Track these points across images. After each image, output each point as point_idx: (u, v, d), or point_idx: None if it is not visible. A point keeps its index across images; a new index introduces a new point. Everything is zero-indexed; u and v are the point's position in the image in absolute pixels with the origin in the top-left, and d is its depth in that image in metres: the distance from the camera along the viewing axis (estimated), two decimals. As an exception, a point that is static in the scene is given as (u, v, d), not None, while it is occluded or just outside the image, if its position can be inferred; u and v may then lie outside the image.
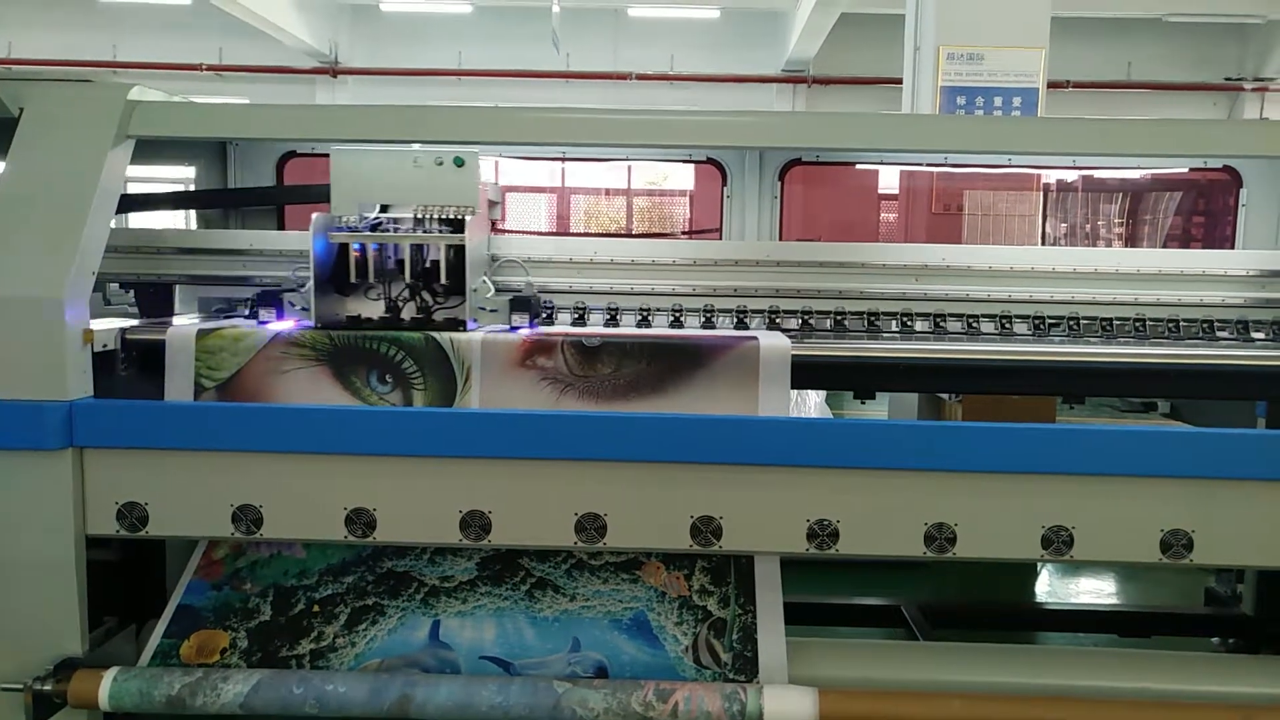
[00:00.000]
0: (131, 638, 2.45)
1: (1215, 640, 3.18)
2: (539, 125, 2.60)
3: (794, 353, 2.33)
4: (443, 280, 2.46)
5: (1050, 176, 6.80)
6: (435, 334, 2.35)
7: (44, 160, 2.33)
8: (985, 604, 3.53)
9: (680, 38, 13.06)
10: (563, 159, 3.17)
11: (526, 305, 2.48)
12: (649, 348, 2.34)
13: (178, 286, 2.84)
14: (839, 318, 2.73)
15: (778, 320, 2.75)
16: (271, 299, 2.49)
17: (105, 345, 2.33)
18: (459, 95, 12.72)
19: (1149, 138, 2.60)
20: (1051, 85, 5.49)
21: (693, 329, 2.73)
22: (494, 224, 2.78)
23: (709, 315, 2.76)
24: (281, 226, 3.15)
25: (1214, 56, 12.77)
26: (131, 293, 2.83)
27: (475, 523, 2.27)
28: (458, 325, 2.42)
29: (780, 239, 3.27)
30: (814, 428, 2.34)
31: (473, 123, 2.51)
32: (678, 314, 2.77)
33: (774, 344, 2.34)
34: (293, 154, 3.17)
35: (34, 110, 2.37)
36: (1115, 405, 5.94)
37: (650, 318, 2.77)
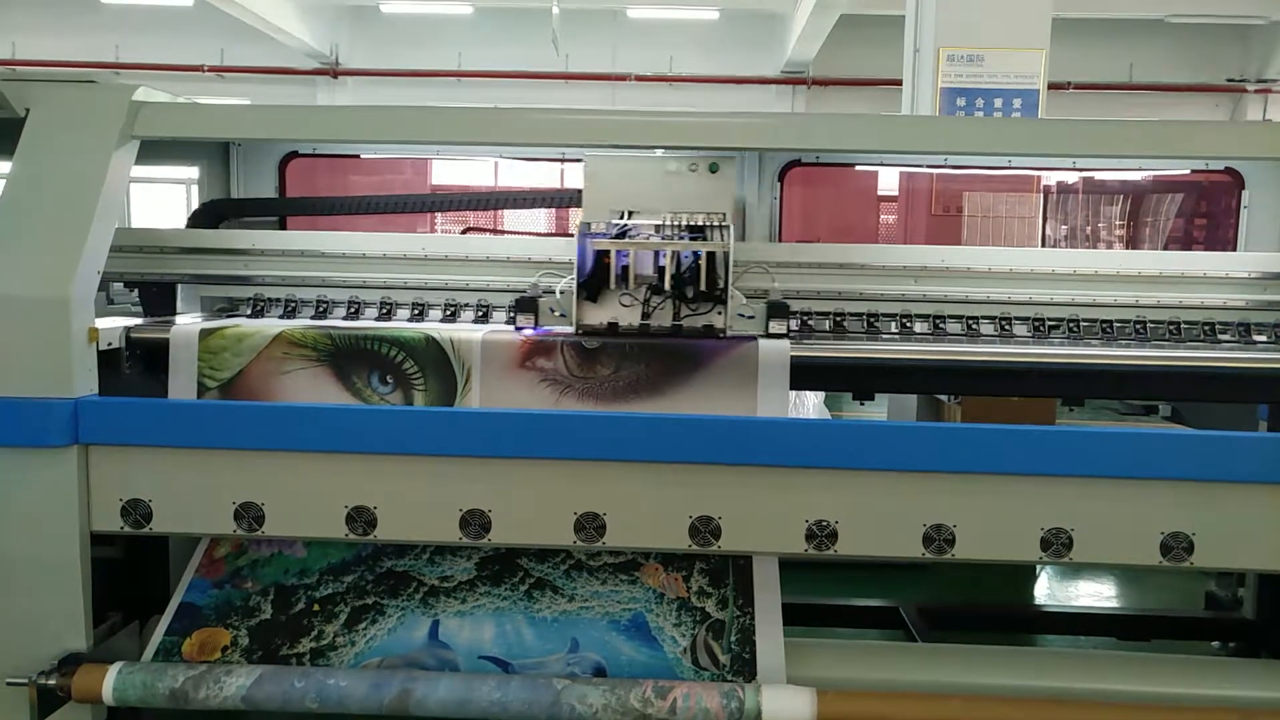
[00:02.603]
0: (135, 634, 2.46)
1: (1215, 644, 3.18)
2: (539, 126, 2.61)
3: (793, 354, 2.34)
4: (702, 287, 2.42)
5: (1050, 178, 6.80)
6: (436, 334, 2.36)
7: (50, 160, 2.34)
8: (984, 606, 3.54)
9: (679, 39, 13.07)
10: (562, 160, 3.18)
11: (783, 311, 2.45)
12: (648, 349, 2.35)
13: (180, 286, 2.85)
14: (838, 319, 2.74)
15: (778, 321, 2.75)
16: (530, 305, 2.47)
17: (110, 343, 2.34)
18: (459, 96, 12.74)
19: (1150, 139, 2.61)
20: (1052, 87, 5.49)
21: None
22: None
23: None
24: (283, 226, 3.16)
25: (1216, 58, 12.77)
26: (135, 291, 2.84)
27: (475, 521, 2.27)
28: (715, 333, 2.40)
29: (779, 240, 3.27)
30: (813, 429, 2.35)
31: (473, 124, 2.52)
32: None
33: (773, 345, 2.34)
34: (295, 154, 3.18)
35: (40, 111, 2.38)
36: (1115, 408, 5.94)
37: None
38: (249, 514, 2.28)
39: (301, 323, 2.60)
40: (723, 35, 13.05)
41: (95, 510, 2.27)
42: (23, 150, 2.35)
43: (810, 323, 2.74)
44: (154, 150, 2.61)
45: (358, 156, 3.28)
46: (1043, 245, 6.98)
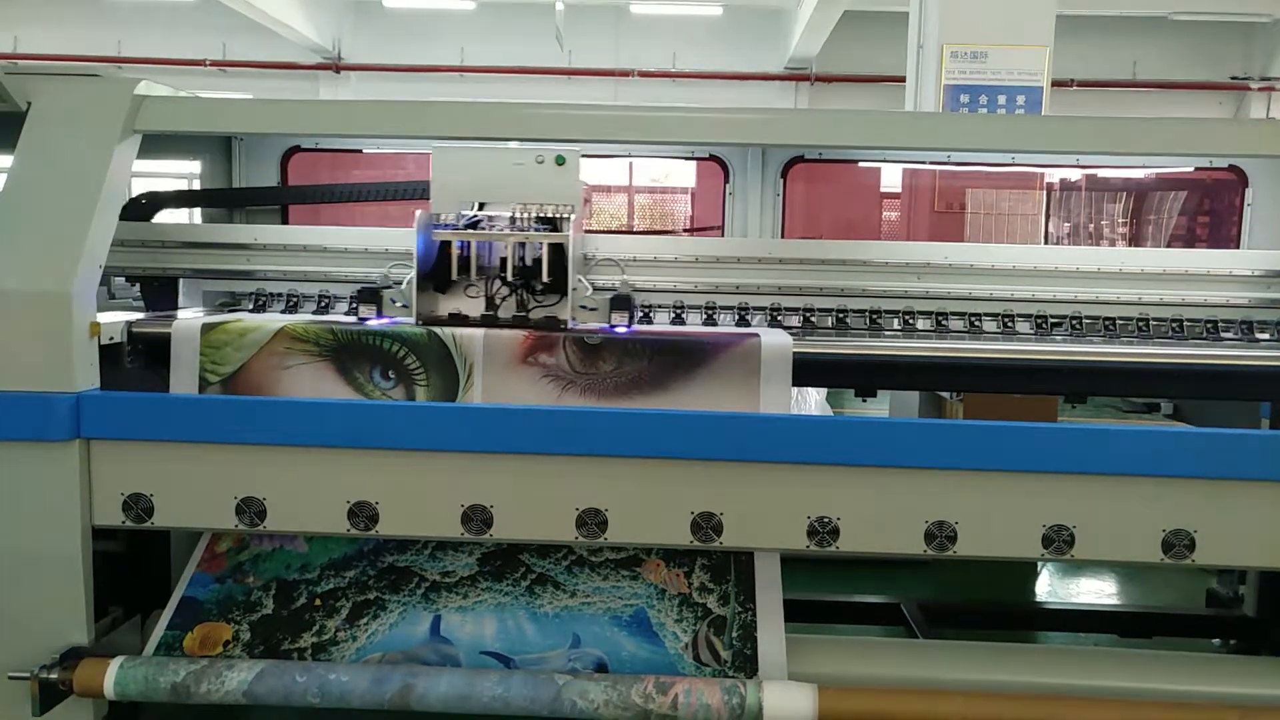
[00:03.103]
0: (136, 628, 2.46)
1: (1216, 641, 3.18)
2: (541, 121, 2.61)
3: (795, 350, 2.34)
4: (544, 279, 2.44)
5: (1054, 175, 6.80)
6: (438, 330, 2.35)
7: (52, 154, 2.34)
8: (985, 603, 3.54)
9: (682, 35, 13.04)
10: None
11: (626, 304, 2.46)
12: (650, 345, 2.34)
13: (182, 280, 2.85)
14: (841, 315, 2.74)
15: (779, 318, 2.76)
16: (371, 295, 2.48)
17: (112, 338, 2.34)
18: (462, 91, 12.71)
19: (1154, 137, 2.60)
20: (1056, 84, 5.48)
21: (694, 326, 2.74)
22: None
23: (711, 312, 2.77)
24: (285, 221, 3.16)
25: (1220, 55, 12.72)
26: (137, 286, 2.84)
27: (477, 517, 2.28)
28: (558, 324, 2.41)
29: (782, 236, 3.27)
30: (815, 425, 2.35)
31: (476, 118, 2.52)
32: (679, 311, 2.77)
33: (775, 341, 2.34)
34: (297, 149, 3.18)
35: (42, 105, 2.38)
36: (1118, 406, 5.93)
37: (652, 315, 2.77)
38: (250, 509, 2.28)
39: (304, 317, 2.60)
40: (726, 31, 13.02)
41: (97, 504, 2.27)
42: (24, 144, 2.34)
43: (813, 319, 2.74)
44: (156, 145, 2.60)
45: (360, 151, 3.27)
46: (1045, 242, 6.97)
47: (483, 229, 2.46)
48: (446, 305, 2.50)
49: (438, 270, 2.47)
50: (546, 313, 2.46)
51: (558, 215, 2.44)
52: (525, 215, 2.45)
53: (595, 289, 2.57)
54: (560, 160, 2.46)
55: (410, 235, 2.72)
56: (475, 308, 2.49)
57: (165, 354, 2.37)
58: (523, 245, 2.46)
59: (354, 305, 2.62)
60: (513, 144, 2.49)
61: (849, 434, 2.27)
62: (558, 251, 2.42)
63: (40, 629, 2.25)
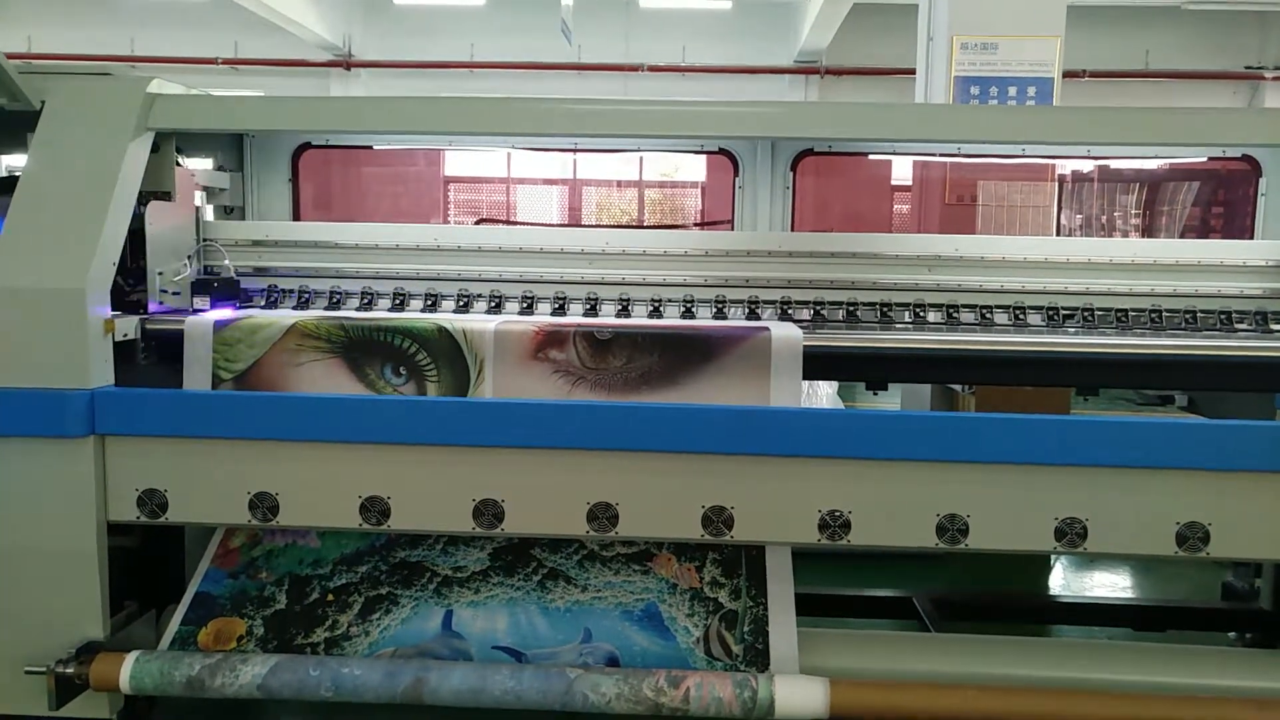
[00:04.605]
0: (151, 623, 2.48)
1: (1232, 635, 3.15)
2: (552, 116, 2.61)
3: (806, 343, 2.33)
4: (128, 264, 2.50)
5: (1065, 167, 6.75)
6: (448, 325, 2.36)
7: (66, 153, 2.35)
8: (997, 596, 3.52)
9: (692, 28, 13.01)
10: (574, 150, 3.17)
11: (209, 288, 2.57)
12: (661, 339, 2.34)
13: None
14: (851, 308, 2.73)
15: (790, 311, 2.75)
16: (204, 287, 2.59)
17: (126, 334, 2.36)
18: (471, 87, 12.74)
19: (1167, 127, 2.58)
20: (1067, 74, 5.44)
21: (704, 320, 2.73)
22: (229, 210, 2.92)
23: (721, 306, 2.77)
24: (297, 217, 3.17)
25: (1233, 44, 12.61)
26: None
27: (488, 511, 2.28)
28: (140, 308, 2.51)
29: (792, 230, 3.26)
30: (826, 418, 2.34)
31: (486, 114, 2.52)
32: (689, 305, 2.77)
33: (786, 335, 2.34)
34: (308, 145, 3.19)
35: (56, 103, 2.39)
36: (1131, 398, 5.89)
37: (662, 309, 2.77)
38: (263, 504, 2.30)
39: (315, 314, 2.61)
40: (735, 25, 12.98)
41: (112, 500, 2.29)
42: (38, 142, 2.36)
43: (823, 312, 2.73)
44: (168, 143, 2.62)
45: (370, 148, 3.28)
46: (1057, 234, 6.92)
47: None
48: None
49: None
50: (135, 298, 2.55)
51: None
52: None
53: (211, 273, 2.69)
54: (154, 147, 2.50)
55: (425, 231, 2.75)
56: None
57: (179, 351, 2.39)
58: None
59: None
60: None
61: (860, 427, 2.26)
62: (137, 237, 2.48)
63: (56, 624, 2.27)
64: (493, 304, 2.77)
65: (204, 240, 2.80)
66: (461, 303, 2.78)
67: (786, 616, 2.33)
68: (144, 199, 2.49)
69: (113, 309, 2.33)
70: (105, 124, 2.38)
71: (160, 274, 2.52)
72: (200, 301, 2.57)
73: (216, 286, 2.62)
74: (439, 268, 2.82)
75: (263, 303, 2.81)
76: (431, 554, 2.46)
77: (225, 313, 2.55)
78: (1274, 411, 2.89)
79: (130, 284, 2.55)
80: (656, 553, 2.45)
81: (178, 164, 2.64)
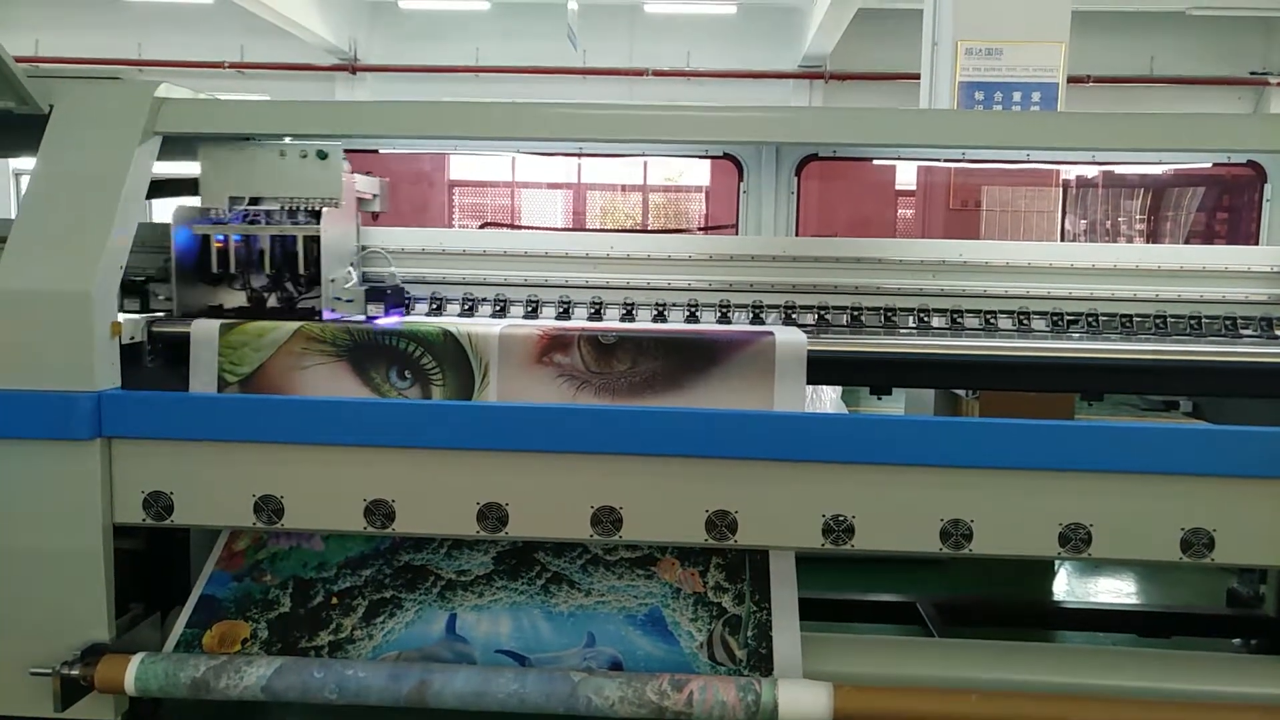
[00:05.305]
0: (156, 625, 2.48)
1: (1237, 641, 3.14)
2: (557, 120, 2.61)
3: (810, 348, 2.33)
4: (301, 271, 2.54)
5: (1070, 172, 6.75)
6: (454, 330, 2.37)
7: (73, 156, 2.36)
8: (1001, 602, 3.52)
9: (696, 33, 13.03)
10: (579, 154, 3.18)
11: (382, 295, 2.56)
12: (665, 343, 2.35)
13: None
14: (855, 313, 2.73)
15: (794, 316, 2.76)
16: (136, 289, 2.54)
17: (132, 337, 2.37)
18: (476, 92, 12.76)
19: (1172, 133, 2.58)
20: (1072, 80, 5.44)
21: (708, 324, 2.74)
22: (375, 217, 2.87)
23: (725, 311, 2.77)
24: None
25: (1238, 50, 12.59)
26: None
27: (492, 515, 2.29)
28: (314, 315, 2.51)
29: (796, 235, 3.27)
30: (830, 423, 2.35)
31: (491, 118, 2.53)
32: (693, 309, 2.78)
33: (790, 339, 2.34)
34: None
35: (64, 107, 2.41)
36: (1135, 404, 5.88)
37: (666, 313, 2.78)
38: (268, 507, 2.30)
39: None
40: (740, 29, 13.00)
41: (118, 502, 2.30)
42: (46, 146, 2.37)
43: (827, 317, 2.73)
44: (176, 147, 2.63)
45: (376, 151, 3.29)
46: (1062, 240, 6.92)
47: (252, 223, 2.55)
48: (211, 298, 2.60)
49: (202, 264, 2.56)
50: (308, 304, 2.57)
51: (320, 208, 2.52)
52: (295, 209, 2.54)
53: (367, 280, 2.65)
54: (322, 155, 2.52)
55: (430, 235, 2.75)
56: (237, 300, 2.60)
57: (184, 354, 2.40)
58: (285, 239, 2.54)
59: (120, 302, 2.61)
60: (286, 139, 2.56)
61: (864, 432, 2.26)
62: (313, 244, 2.50)
63: (62, 626, 2.27)
64: (497, 308, 2.78)
65: (363, 247, 2.80)
66: (466, 306, 2.79)
67: (790, 621, 2.32)
68: (313, 207, 2.51)
69: (283, 317, 2.35)
70: (113, 128, 2.39)
71: (332, 281, 2.52)
72: (375, 309, 2.52)
73: (390, 294, 2.59)
74: (444, 271, 2.83)
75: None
76: (436, 558, 2.47)
77: (231, 317, 2.56)
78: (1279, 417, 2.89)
79: (300, 291, 2.59)
80: (660, 557, 2.45)
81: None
